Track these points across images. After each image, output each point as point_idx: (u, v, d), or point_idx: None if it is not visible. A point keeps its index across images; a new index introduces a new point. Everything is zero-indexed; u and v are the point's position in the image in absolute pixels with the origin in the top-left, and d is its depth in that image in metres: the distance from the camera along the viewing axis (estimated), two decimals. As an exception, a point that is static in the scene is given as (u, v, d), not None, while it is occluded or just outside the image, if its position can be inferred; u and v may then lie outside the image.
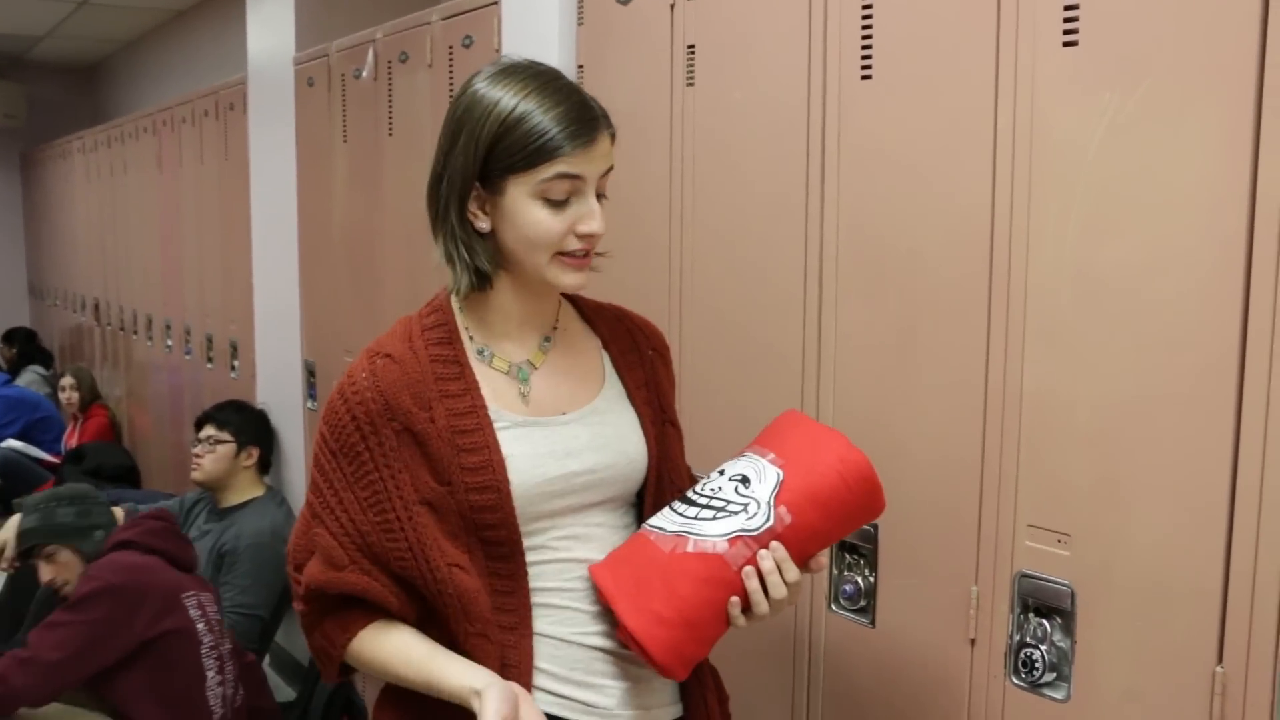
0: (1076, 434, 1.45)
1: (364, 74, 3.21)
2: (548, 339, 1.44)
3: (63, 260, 7.83)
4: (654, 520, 1.37)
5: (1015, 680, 1.53)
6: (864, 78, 1.72)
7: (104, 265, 6.58)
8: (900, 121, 1.67)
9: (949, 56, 1.59)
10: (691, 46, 2.06)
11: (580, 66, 2.36)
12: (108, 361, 6.59)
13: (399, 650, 1.33)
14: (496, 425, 1.34)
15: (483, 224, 1.34)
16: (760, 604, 1.31)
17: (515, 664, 1.32)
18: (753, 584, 1.30)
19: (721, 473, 1.37)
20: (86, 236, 7.05)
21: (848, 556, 1.79)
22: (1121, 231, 1.39)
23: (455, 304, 1.42)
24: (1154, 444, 1.37)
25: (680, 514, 1.35)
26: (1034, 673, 1.49)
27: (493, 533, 1.33)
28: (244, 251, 4.19)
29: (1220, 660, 1.31)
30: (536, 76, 1.32)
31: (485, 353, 1.40)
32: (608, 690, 1.36)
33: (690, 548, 1.30)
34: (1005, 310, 1.52)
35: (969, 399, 1.57)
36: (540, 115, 1.28)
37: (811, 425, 1.41)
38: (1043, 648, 1.49)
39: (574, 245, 1.33)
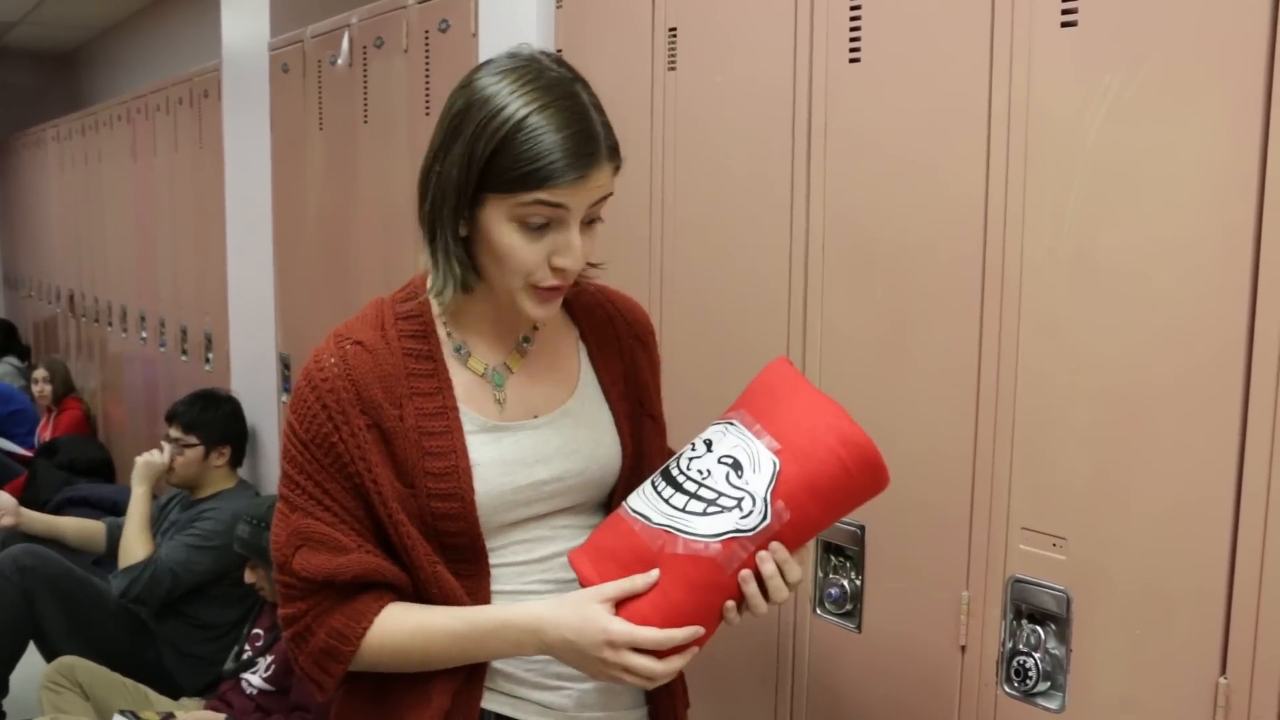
0: (1073, 432, 1.39)
1: (339, 60, 3.14)
2: (527, 339, 1.37)
3: (37, 250, 7.72)
4: (635, 504, 1.26)
5: (1007, 689, 1.47)
6: (852, 61, 1.66)
7: (79, 255, 6.49)
8: (890, 106, 1.60)
9: (941, 38, 1.53)
10: (673, 29, 1.99)
11: (559, 50, 2.29)
12: (82, 353, 6.50)
13: (438, 619, 1.26)
14: (466, 429, 1.28)
15: (463, 230, 1.26)
16: (759, 606, 1.22)
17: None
18: (751, 589, 1.21)
19: (709, 447, 1.26)
20: (61, 226, 6.96)
21: (833, 559, 1.73)
22: (1122, 220, 1.33)
23: (433, 295, 1.35)
24: (1155, 442, 1.31)
25: (666, 500, 1.24)
26: (1027, 681, 1.43)
27: (453, 539, 1.27)
28: (218, 242, 4.12)
29: (1224, 670, 1.25)
30: (547, 90, 1.20)
31: (462, 350, 1.33)
32: (565, 691, 1.31)
33: (680, 548, 1.20)
34: (999, 302, 1.46)
35: (961, 395, 1.51)
36: (536, 140, 1.17)
37: (805, 392, 1.28)
38: (1036, 655, 1.43)
39: (548, 278, 1.23)
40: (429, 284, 1.31)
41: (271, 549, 1.31)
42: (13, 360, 7.22)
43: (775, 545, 1.20)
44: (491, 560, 1.30)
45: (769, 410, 1.26)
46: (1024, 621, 1.46)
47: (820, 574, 1.75)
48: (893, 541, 1.63)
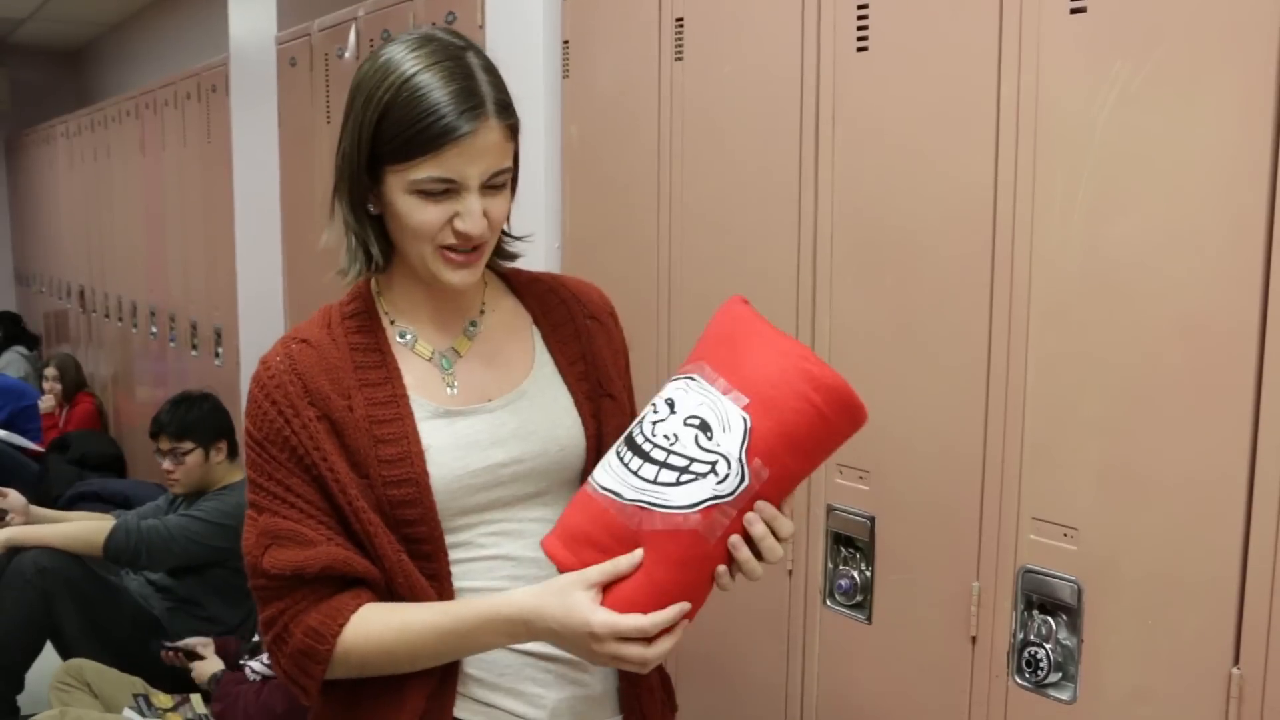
0: (1084, 422, 1.38)
1: (347, 54, 3.14)
2: (474, 323, 1.36)
3: (48, 246, 7.75)
4: (603, 479, 1.19)
5: (1019, 680, 1.46)
6: (860, 50, 1.65)
7: (89, 251, 6.51)
8: (898, 95, 1.60)
9: (949, 26, 1.52)
10: (680, 19, 1.98)
11: (566, 42, 2.28)
12: (93, 348, 6.51)
13: (423, 615, 1.23)
14: (417, 415, 1.27)
15: (373, 207, 1.26)
16: (754, 570, 1.16)
17: (445, 665, 1.25)
18: (743, 554, 1.15)
19: (672, 407, 1.18)
20: (71, 222, 6.98)
21: (843, 550, 1.72)
22: (1132, 209, 1.32)
23: (374, 288, 1.34)
24: (1166, 431, 1.30)
25: (635, 473, 1.16)
26: (1038, 672, 1.43)
27: (413, 529, 1.25)
28: (227, 236, 4.12)
29: (1237, 661, 1.24)
30: (432, 53, 1.21)
31: (408, 336, 1.32)
32: (539, 700, 1.28)
33: (659, 524, 1.14)
34: (1009, 293, 1.45)
35: (971, 386, 1.50)
36: (420, 99, 1.17)
37: (766, 334, 1.18)
38: (1047, 646, 1.43)
39: (451, 240, 1.23)
40: (341, 265, 1.31)
41: (243, 553, 1.30)
42: (21, 349, 7.24)
43: (761, 504, 1.14)
44: (457, 555, 1.27)
45: (730, 360, 1.18)
46: (1035, 612, 1.45)
47: (830, 565, 1.74)
48: (903, 533, 1.63)
